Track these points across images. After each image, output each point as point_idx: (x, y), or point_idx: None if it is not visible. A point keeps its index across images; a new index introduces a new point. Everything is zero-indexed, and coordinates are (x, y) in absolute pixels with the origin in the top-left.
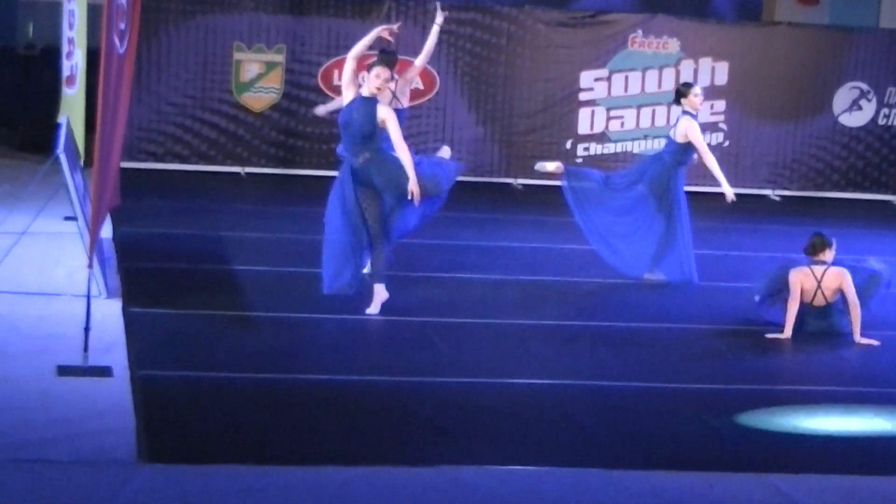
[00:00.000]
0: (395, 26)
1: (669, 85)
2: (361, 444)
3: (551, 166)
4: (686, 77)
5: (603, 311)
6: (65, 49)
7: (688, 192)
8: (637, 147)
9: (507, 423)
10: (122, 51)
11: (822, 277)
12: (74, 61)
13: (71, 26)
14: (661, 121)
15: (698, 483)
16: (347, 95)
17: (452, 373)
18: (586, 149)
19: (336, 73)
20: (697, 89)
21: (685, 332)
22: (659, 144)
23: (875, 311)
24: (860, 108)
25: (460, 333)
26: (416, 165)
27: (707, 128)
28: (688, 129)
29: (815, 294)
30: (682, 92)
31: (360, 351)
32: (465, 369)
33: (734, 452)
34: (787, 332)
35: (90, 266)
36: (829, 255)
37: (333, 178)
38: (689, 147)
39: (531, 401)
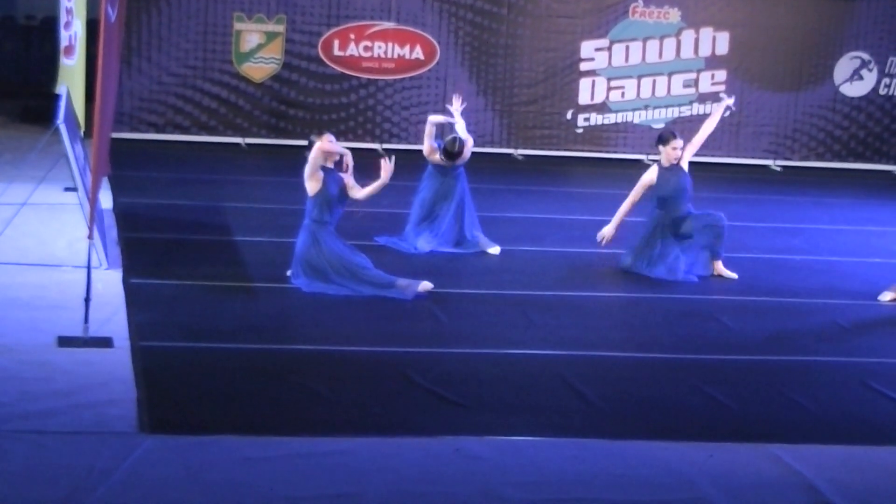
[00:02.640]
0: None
1: (671, 55)
2: (362, 413)
3: None
4: (687, 47)
5: (604, 282)
6: (63, 19)
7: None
8: (638, 117)
9: (508, 393)
10: (113, 19)
11: None
12: (73, 31)
13: None
14: (661, 91)
15: (699, 453)
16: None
17: (453, 343)
18: (587, 119)
19: (336, 42)
20: (677, 142)
21: (687, 302)
22: (659, 115)
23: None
24: (861, 77)
25: (461, 304)
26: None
27: (708, 98)
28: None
29: None
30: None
31: (362, 321)
32: (466, 339)
33: (735, 422)
34: None
35: (90, 237)
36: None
37: None
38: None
39: (533, 371)
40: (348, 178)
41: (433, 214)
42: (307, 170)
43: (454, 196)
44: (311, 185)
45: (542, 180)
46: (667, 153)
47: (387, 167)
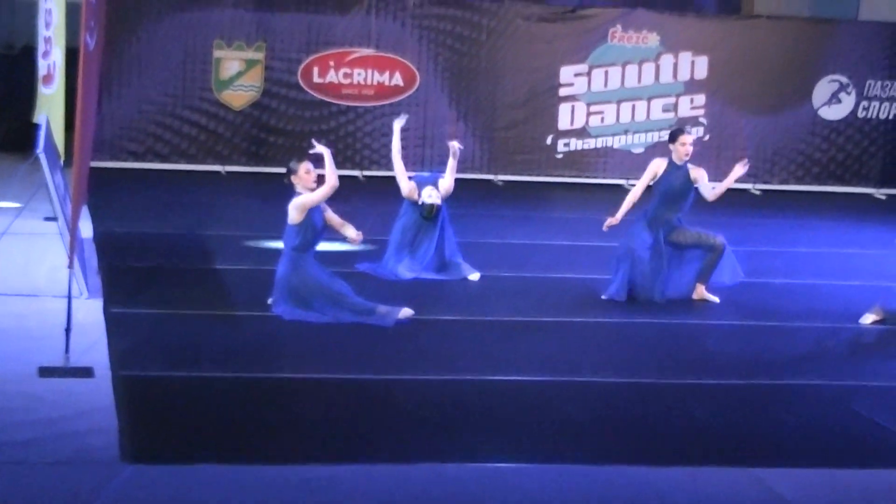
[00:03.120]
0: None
1: (650, 79)
2: (346, 441)
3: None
4: (666, 71)
5: (586, 307)
6: (41, 48)
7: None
8: (618, 142)
9: (491, 420)
10: (91, 47)
11: None
12: (52, 60)
13: (48, 25)
14: (641, 115)
15: (683, 477)
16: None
17: (437, 369)
18: (567, 144)
19: (316, 69)
20: (686, 137)
21: (669, 326)
22: (639, 139)
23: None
24: (840, 101)
25: (443, 329)
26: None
27: (688, 122)
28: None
29: None
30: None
31: (344, 348)
32: (449, 366)
33: (718, 446)
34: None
35: (71, 266)
36: None
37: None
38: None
39: (516, 397)
40: (328, 211)
41: (414, 241)
42: (297, 205)
43: (435, 222)
44: (296, 214)
45: (523, 206)
46: (676, 150)
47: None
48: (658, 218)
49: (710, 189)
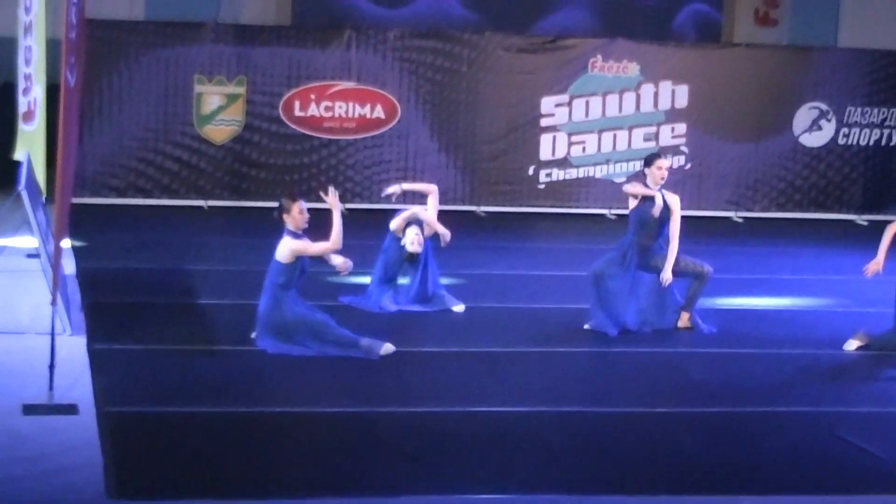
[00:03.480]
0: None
1: (631, 108)
2: (330, 474)
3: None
4: (647, 100)
5: (570, 337)
6: (21, 85)
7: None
8: (599, 172)
9: (477, 451)
10: (72, 83)
11: None
12: (32, 96)
13: (28, 62)
14: (622, 145)
15: None
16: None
17: (420, 402)
18: (549, 174)
19: (297, 103)
20: (663, 162)
21: (653, 355)
22: (621, 168)
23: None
24: (820, 128)
25: (427, 362)
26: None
27: (669, 151)
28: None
29: None
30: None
31: (328, 381)
32: (433, 398)
33: (704, 474)
34: None
35: (54, 303)
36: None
37: None
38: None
39: (501, 428)
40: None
41: (397, 275)
42: (292, 249)
43: (418, 255)
44: (288, 255)
45: (506, 236)
46: (652, 173)
47: (334, 201)
48: (634, 245)
49: (674, 229)
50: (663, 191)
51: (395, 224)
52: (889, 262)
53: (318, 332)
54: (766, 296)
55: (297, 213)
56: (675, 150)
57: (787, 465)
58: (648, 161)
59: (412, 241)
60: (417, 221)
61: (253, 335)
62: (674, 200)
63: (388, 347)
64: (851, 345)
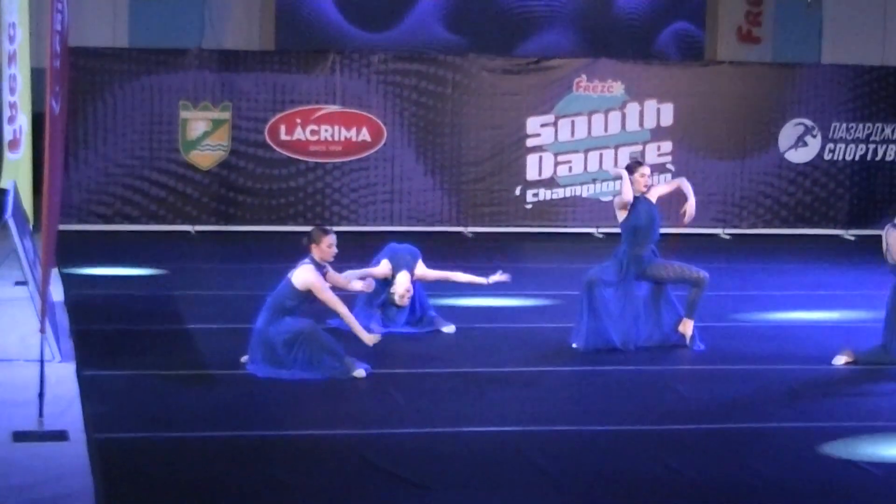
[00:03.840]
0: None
1: (616, 128)
2: (321, 498)
3: None
4: (632, 119)
5: (557, 356)
6: (6, 113)
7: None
8: (586, 191)
9: (467, 472)
10: (56, 111)
11: None
12: (18, 125)
13: (13, 91)
14: (608, 163)
15: None
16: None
17: (410, 423)
18: (535, 194)
19: (283, 127)
20: (644, 169)
21: (641, 373)
22: (607, 187)
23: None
24: (805, 144)
25: (416, 383)
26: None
27: (655, 169)
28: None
29: None
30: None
31: (317, 404)
32: (422, 419)
33: (694, 491)
34: None
35: (42, 330)
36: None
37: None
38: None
39: (491, 448)
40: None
41: (385, 295)
42: (312, 286)
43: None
44: (303, 287)
45: (493, 257)
46: (636, 181)
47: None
48: (629, 255)
49: (686, 187)
50: (644, 196)
51: (380, 273)
52: (879, 277)
53: (310, 350)
54: (754, 312)
55: (326, 247)
56: (661, 169)
57: (776, 480)
58: (631, 169)
59: (402, 295)
60: (408, 266)
61: (243, 359)
62: (654, 195)
63: (359, 372)
64: (839, 360)
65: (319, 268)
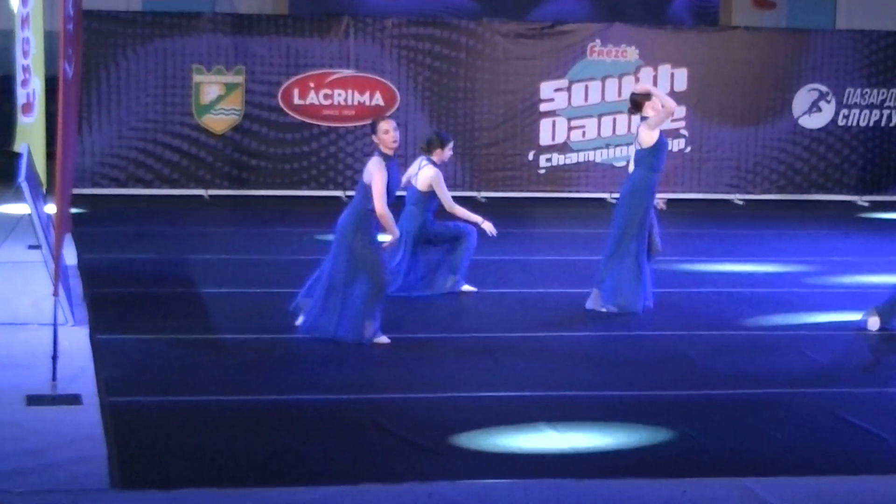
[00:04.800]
0: None
1: (629, 93)
2: (334, 462)
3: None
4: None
5: (569, 322)
6: (20, 77)
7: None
8: (599, 156)
9: (479, 437)
10: (70, 75)
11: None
12: (31, 89)
13: (26, 54)
14: (621, 129)
15: (673, 489)
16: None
17: (422, 388)
18: (548, 160)
19: (296, 91)
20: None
21: (654, 339)
22: (620, 153)
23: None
24: (820, 109)
25: (428, 349)
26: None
27: (668, 134)
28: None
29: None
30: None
31: (330, 370)
32: (434, 384)
33: (707, 457)
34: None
35: (56, 294)
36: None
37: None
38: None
39: (503, 414)
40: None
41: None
42: (378, 188)
43: (410, 236)
44: (377, 180)
45: (506, 222)
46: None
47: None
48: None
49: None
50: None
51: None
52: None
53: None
54: (767, 278)
55: (383, 133)
56: (675, 134)
57: (790, 446)
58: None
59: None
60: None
61: (297, 322)
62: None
63: (383, 339)
64: (873, 323)
65: (388, 159)
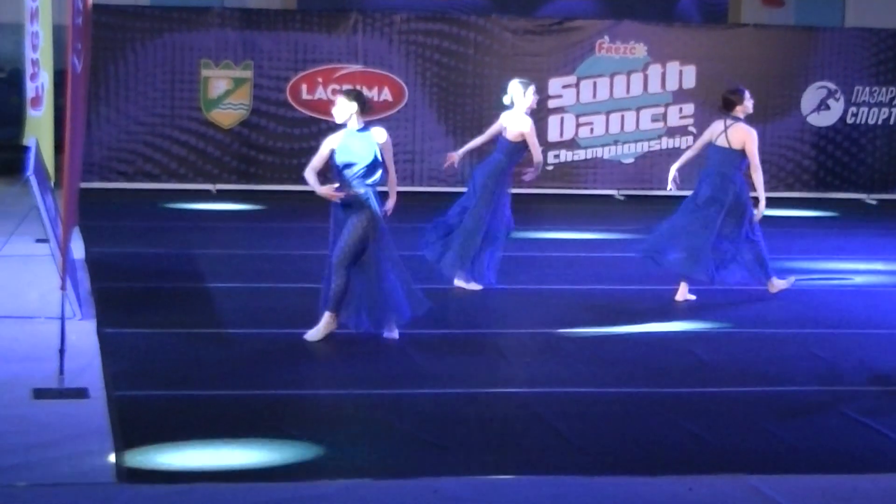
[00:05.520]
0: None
1: (637, 90)
2: (340, 457)
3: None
4: (654, 81)
5: (577, 318)
6: (29, 70)
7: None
8: (607, 153)
9: (485, 433)
10: (78, 69)
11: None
12: (40, 82)
13: (35, 48)
14: (630, 126)
15: (678, 486)
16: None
17: (429, 384)
18: (556, 156)
19: (304, 86)
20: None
21: (660, 335)
22: (629, 149)
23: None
24: (828, 107)
25: (435, 344)
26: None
27: (677, 131)
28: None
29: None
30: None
31: (337, 365)
32: (441, 380)
33: (713, 455)
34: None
35: (63, 288)
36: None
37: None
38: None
39: (509, 409)
40: None
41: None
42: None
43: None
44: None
45: (514, 218)
46: (745, 107)
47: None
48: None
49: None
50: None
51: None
52: None
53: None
54: (774, 276)
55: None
56: (683, 131)
57: (796, 444)
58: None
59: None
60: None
61: None
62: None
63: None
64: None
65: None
